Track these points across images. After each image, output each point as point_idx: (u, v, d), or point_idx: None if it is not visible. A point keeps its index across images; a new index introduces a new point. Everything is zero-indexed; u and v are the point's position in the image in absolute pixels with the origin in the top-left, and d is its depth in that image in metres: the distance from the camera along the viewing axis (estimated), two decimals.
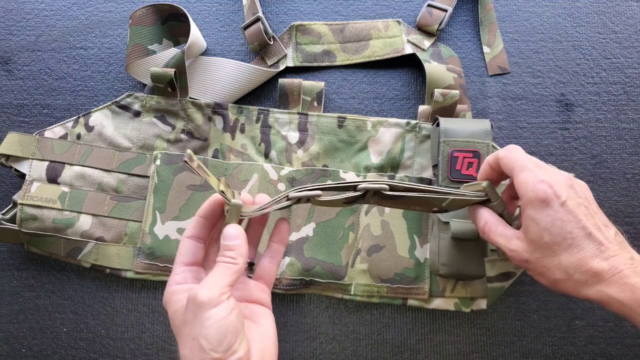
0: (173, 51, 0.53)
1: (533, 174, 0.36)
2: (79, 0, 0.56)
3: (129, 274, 0.50)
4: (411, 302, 0.49)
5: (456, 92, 0.50)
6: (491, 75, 0.54)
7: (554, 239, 0.35)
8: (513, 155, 0.38)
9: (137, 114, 0.52)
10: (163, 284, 0.51)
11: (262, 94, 0.54)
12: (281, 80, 0.52)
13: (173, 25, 0.53)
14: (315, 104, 0.52)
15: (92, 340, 0.51)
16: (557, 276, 0.35)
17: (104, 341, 0.50)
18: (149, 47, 0.52)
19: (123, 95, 0.52)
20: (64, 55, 0.55)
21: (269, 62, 0.53)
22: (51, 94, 0.54)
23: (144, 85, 0.53)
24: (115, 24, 0.55)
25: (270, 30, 0.53)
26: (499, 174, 0.40)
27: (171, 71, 0.50)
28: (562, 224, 0.35)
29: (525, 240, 0.36)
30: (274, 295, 0.51)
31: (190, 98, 0.52)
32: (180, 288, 0.36)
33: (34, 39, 0.55)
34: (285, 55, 0.53)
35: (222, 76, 0.52)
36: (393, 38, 0.54)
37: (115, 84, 0.54)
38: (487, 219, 0.39)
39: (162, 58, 0.53)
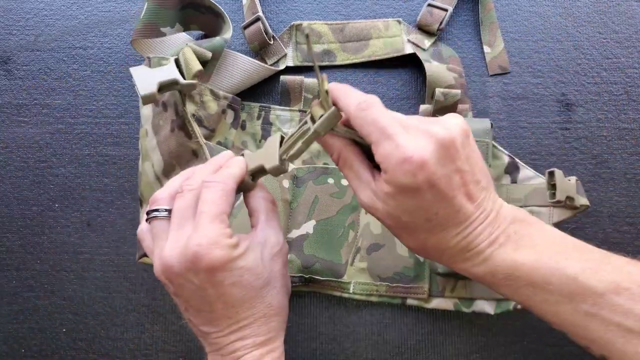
0: (181, 36, 0.52)
1: (397, 145, 0.29)
2: (79, 0, 0.56)
3: None
4: (410, 301, 0.49)
5: (457, 91, 0.50)
6: (492, 75, 0.54)
7: (415, 221, 0.30)
8: (369, 117, 0.30)
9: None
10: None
11: (263, 92, 0.54)
12: (283, 78, 0.52)
13: (189, 13, 0.51)
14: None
15: (91, 340, 0.50)
16: (430, 253, 0.32)
17: (103, 341, 0.50)
18: (161, 29, 0.50)
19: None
20: (63, 55, 0.55)
21: (269, 62, 0.53)
22: (50, 94, 0.54)
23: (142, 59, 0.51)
24: (115, 24, 0.55)
25: (270, 30, 0.52)
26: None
27: (209, 53, 0.47)
28: (427, 208, 0.30)
29: (387, 206, 0.31)
30: None
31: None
32: None
33: (33, 39, 0.55)
34: (285, 55, 0.53)
35: (225, 67, 0.52)
36: (393, 38, 0.54)
37: (115, 84, 0.54)
38: (343, 149, 0.33)
39: (168, 40, 0.52)
